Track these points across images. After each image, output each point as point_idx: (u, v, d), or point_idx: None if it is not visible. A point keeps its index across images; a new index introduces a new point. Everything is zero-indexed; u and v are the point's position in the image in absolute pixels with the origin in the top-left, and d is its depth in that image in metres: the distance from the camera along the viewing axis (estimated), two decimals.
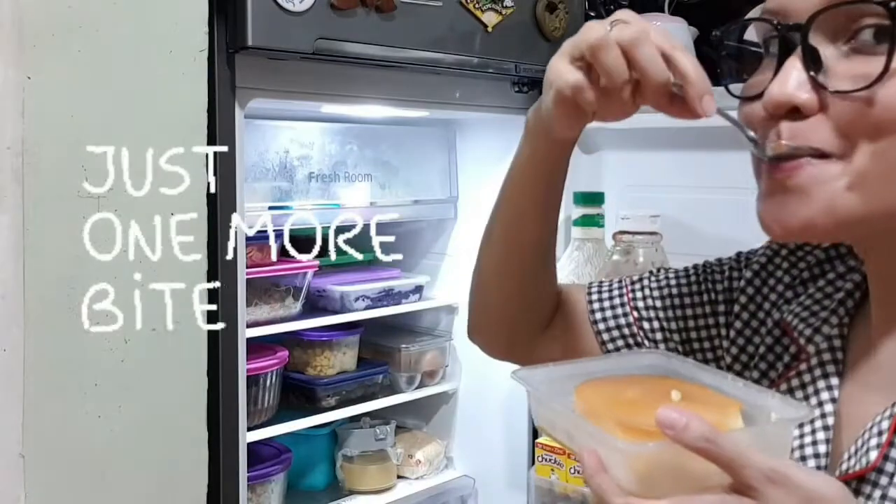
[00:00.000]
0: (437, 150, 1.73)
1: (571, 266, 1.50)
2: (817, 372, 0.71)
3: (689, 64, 0.67)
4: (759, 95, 0.64)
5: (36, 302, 0.98)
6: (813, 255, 0.80)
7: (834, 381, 0.70)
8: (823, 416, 0.70)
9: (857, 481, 0.64)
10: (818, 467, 0.68)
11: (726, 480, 0.55)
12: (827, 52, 0.61)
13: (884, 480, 0.62)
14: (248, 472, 1.22)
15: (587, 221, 1.49)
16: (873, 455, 0.62)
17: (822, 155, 0.60)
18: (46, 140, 0.98)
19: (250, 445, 1.26)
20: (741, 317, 0.82)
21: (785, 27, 0.62)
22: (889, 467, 0.62)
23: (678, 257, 1.42)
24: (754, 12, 0.75)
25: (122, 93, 1.04)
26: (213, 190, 1.13)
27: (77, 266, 1.01)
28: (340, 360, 1.60)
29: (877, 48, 0.59)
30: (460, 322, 1.77)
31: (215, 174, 1.13)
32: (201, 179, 1.12)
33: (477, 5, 1.36)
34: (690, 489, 0.56)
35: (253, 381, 1.37)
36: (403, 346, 1.68)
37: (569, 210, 1.55)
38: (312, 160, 1.50)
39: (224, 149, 1.14)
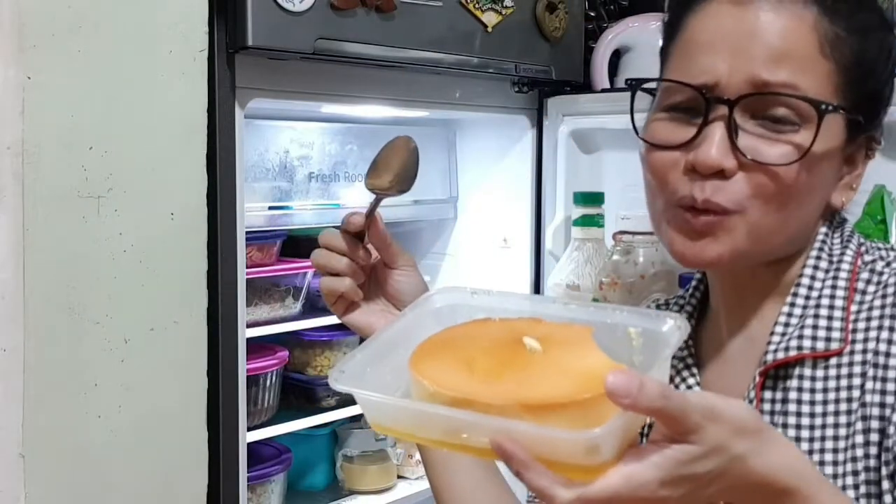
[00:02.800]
0: (437, 151, 1.73)
1: (571, 266, 1.50)
2: (689, 380, 0.85)
3: None
4: (674, 147, 0.76)
5: (36, 302, 0.98)
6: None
7: (694, 370, 0.85)
8: (689, 388, 0.83)
9: None
10: None
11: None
12: (746, 125, 0.74)
13: None
14: (247, 473, 1.22)
15: (587, 221, 1.49)
16: None
17: (727, 212, 0.74)
18: (46, 140, 0.98)
19: (250, 445, 1.26)
20: None
21: (714, 99, 0.74)
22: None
23: None
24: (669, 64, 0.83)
25: (122, 93, 1.04)
26: (213, 190, 1.13)
27: (77, 266, 1.01)
28: (340, 359, 1.60)
29: (785, 128, 0.74)
30: None
31: (215, 174, 1.13)
32: (201, 179, 1.12)
33: (477, 5, 1.36)
34: (629, 442, 0.57)
35: (253, 381, 1.37)
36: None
37: (569, 210, 1.55)
38: (312, 160, 1.50)
39: (224, 149, 1.14)
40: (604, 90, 1.57)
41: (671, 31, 0.81)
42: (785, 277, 0.82)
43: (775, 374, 0.78)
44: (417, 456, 1.70)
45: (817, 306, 0.79)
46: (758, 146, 0.74)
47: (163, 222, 1.08)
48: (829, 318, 0.78)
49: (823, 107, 0.73)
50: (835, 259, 0.81)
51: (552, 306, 0.72)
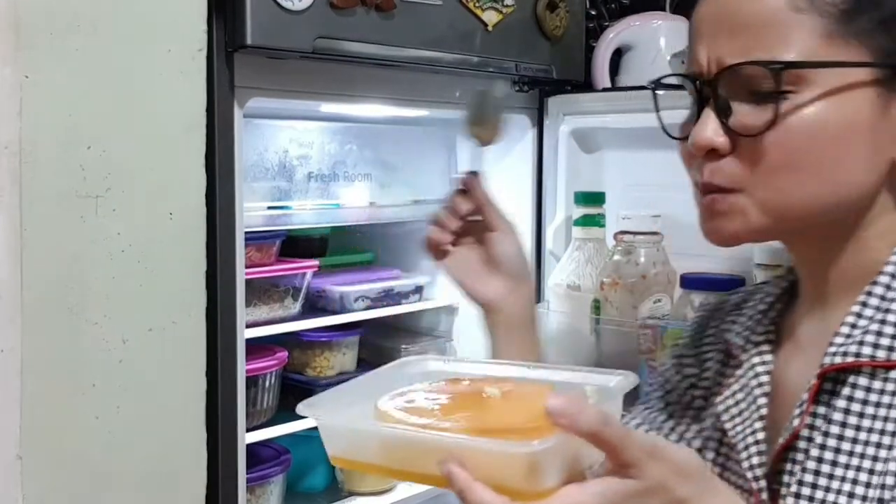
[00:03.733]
0: (437, 150, 1.72)
1: (572, 266, 1.49)
2: (754, 360, 0.81)
3: None
4: (683, 138, 0.77)
5: (34, 302, 0.98)
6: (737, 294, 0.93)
7: (764, 348, 0.81)
8: (760, 384, 0.79)
9: (788, 450, 0.73)
10: (764, 428, 0.77)
11: (597, 461, 0.60)
12: (734, 102, 0.73)
13: (801, 445, 0.72)
14: (247, 474, 1.22)
15: (588, 221, 1.49)
16: (795, 422, 0.73)
17: (727, 190, 0.73)
18: (44, 139, 0.98)
19: (249, 446, 1.26)
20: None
21: (701, 82, 0.74)
22: (802, 441, 0.72)
23: (679, 257, 1.42)
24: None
25: (120, 92, 1.04)
26: (211, 190, 1.12)
27: (75, 266, 1.01)
28: (340, 360, 1.60)
29: (770, 99, 0.70)
30: (460, 322, 1.76)
31: (214, 174, 1.13)
32: (200, 179, 1.11)
33: (477, 4, 1.36)
34: (566, 477, 0.59)
35: (252, 381, 1.36)
36: (403, 346, 1.67)
37: (570, 210, 1.54)
38: (312, 160, 1.50)
39: (223, 148, 1.14)
40: (605, 89, 1.56)
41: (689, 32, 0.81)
42: (867, 262, 0.74)
43: (835, 379, 0.72)
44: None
45: (887, 311, 0.71)
46: (749, 123, 0.71)
47: (161, 222, 1.08)
48: None
49: (775, 66, 0.69)
50: None
51: (517, 369, 0.78)
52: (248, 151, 1.34)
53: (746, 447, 0.77)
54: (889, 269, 0.73)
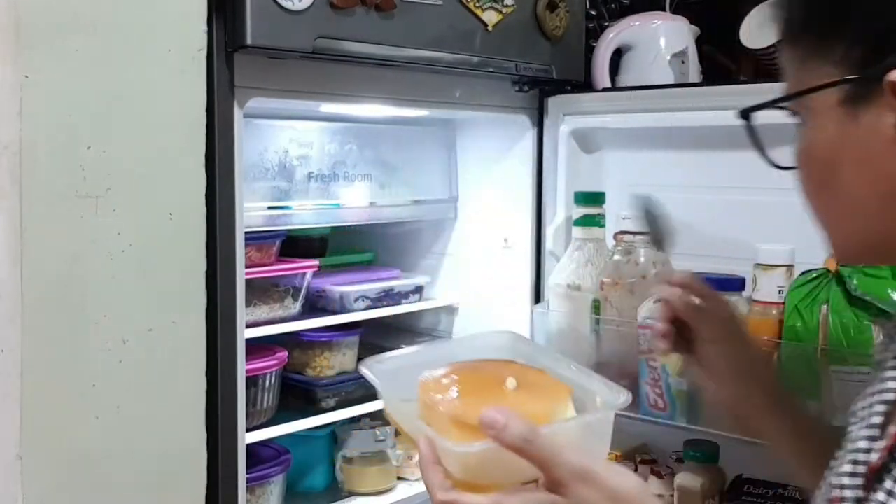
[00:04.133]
0: (437, 150, 1.72)
1: (572, 266, 1.49)
2: (888, 371, 0.74)
3: None
4: None
5: (33, 302, 0.98)
6: None
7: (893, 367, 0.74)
8: (882, 392, 0.72)
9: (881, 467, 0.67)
10: (871, 438, 0.69)
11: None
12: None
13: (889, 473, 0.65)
14: (246, 474, 1.22)
15: (588, 221, 1.48)
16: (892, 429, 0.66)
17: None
18: (44, 139, 0.98)
19: (249, 447, 1.26)
20: None
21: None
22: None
23: (679, 257, 1.42)
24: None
25: (120, 92, 1.04)
26: (211, 190, 1.12)
27: (75, 266, 1.01)
28: (340, 360, 1.59)
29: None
30: (460, 322, 1.77)
31: (214, 174, 1.13)
32: (200, 179, 1.11)
33: (477, 4, 1.36)
34: (514, 479, 0.66)
35: (252, 381, 1.36)
36: (403, 346, 1.67)
37: (570, 210, 1.54)
38: (312, 160, 1.49)
39: (223, 148, 1.14)
40: (605, 89, 1.56)
41: None
42: None
43: None
44: (416, 458, 1.69)
45: None
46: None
47: (161, 222, 1.08)
48: None
49: (743, 111, 0.76)
50: None
51: (566, 367, 0.83)
52: (248, 151, 1.34)
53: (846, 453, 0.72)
54: None
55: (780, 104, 0.74)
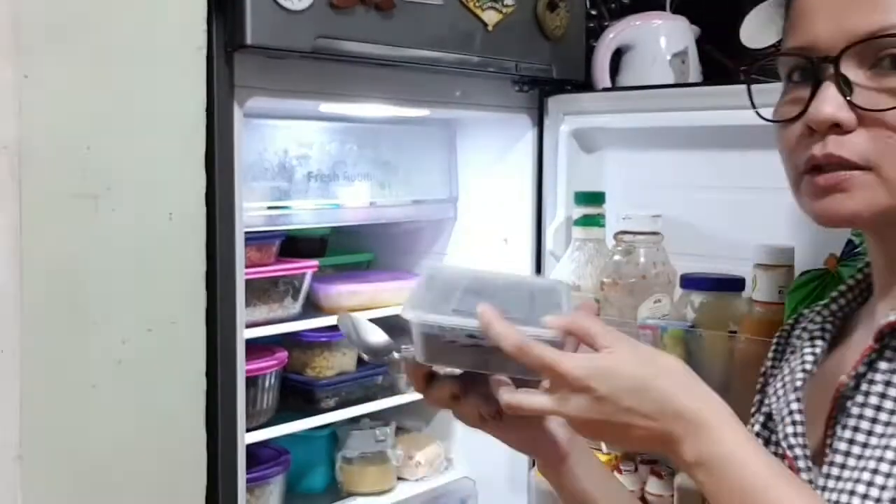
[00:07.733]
0: (437, 150, 1.72)
1: (572, 266, 1.49)
2: (805, 349, 0.83)
3: None
4: (793, 119, 0.74)
5: (33, 303, 0.98)
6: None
7: (819, 344, 0.83)
8: (804, 363, 0.82)
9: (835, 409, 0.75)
10: (798, 399, 0.79)
11: None
12: (855, 77, 0.71)
13: (851, 405, 0.73)
14: (246, 474, 1.22)
15: (588, 221, 1.48)
16: (842, 378, 0.75)
17: (854, 166, 0.71)
18: (44, 139, 0.97)
19: (249, 447, 1.25)
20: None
21: (819, 59, 0.72)
22: (852, 402, 0.73)
23: (680, 257, 1.42)
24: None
25: (120, 91, 1.03)
26: (211, 189, 1.12)
27: (74, 266, 1.01)
28: (340, 360, 1.59)
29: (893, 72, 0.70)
30: None
31: (214, 174, 1.13)
32: (199, 179, 1.11)
33: (477, 4, 1.36)
34: None
35: (252, 382, 1.36)
36: (404, 346, 1.66)
37: (570, 210, 1.54)
38: (311, 160, 1.49)
39: (223, 148, 1.13)
40: (605, 89, 1.56)
41: (786, 8, 0.79)
42: None
43: (889, 342, 0.73)
44: (417, 457, 1.69)
45: None
46: (875, 98, 0.70)
47: (161, 222, 1.08)
48: None
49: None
50: None
51: None
52: (248, 151, 1.34)
53: (782, 418, 0.79)
54: None
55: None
